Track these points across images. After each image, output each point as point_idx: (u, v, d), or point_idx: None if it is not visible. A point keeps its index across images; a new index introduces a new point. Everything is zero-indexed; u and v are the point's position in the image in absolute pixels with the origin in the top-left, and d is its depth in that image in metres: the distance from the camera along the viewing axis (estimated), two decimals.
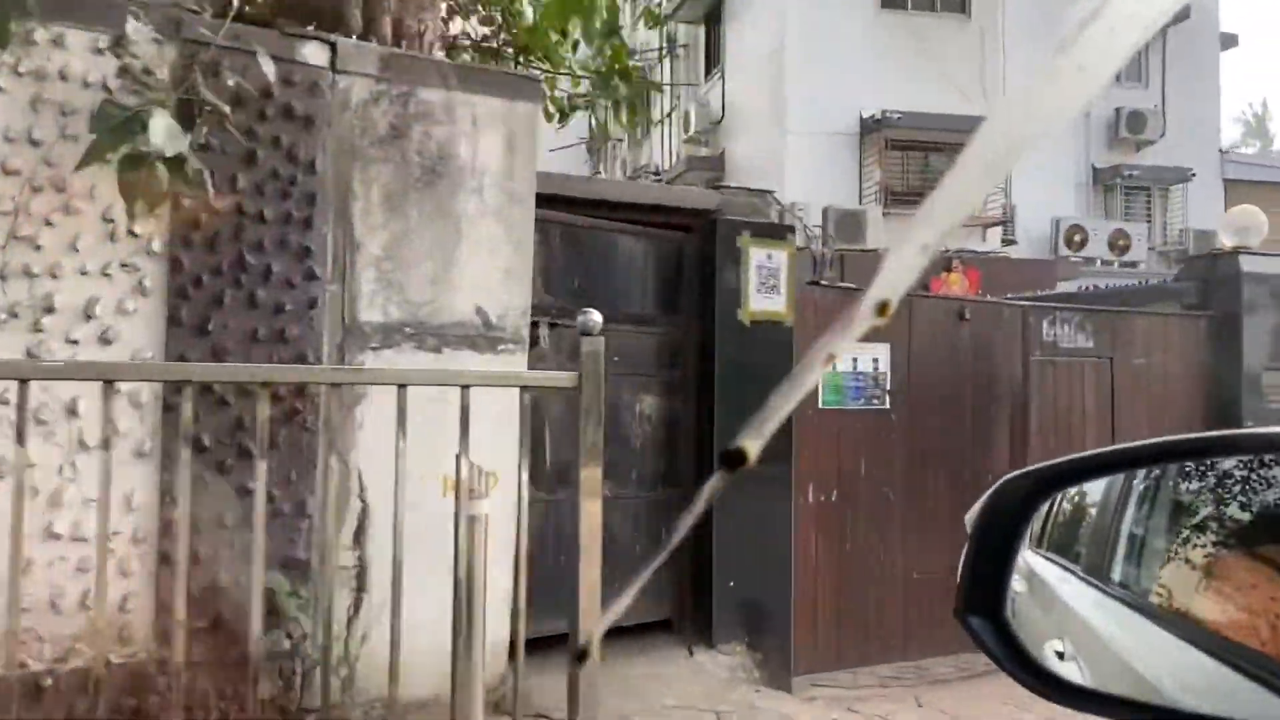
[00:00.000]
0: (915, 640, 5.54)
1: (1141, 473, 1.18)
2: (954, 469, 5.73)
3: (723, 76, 19.61)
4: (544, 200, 4.36)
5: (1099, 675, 1.15)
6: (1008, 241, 17.56)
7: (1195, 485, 1.08)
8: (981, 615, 1.14)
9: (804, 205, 16.64)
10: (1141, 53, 21.57)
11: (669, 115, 21.90)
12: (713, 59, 20.32)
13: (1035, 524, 1.24)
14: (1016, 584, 1.19)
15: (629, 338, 4.67)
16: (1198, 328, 6.97)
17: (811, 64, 16.80)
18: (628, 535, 4.62)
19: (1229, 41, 22.79)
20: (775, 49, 17.45)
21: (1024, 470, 1.13)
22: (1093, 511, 1.27)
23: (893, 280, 0.59)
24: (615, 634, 4.67)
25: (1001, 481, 1.11)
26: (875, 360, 5.48)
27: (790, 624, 4.94)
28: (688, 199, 4.87)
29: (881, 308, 0.59)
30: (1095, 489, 1.26)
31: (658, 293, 4.81)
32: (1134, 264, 19.18)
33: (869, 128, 16.80)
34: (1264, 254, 7.18)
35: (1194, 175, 20.62)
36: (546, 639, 4.43)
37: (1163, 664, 1.05)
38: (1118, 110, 20.71)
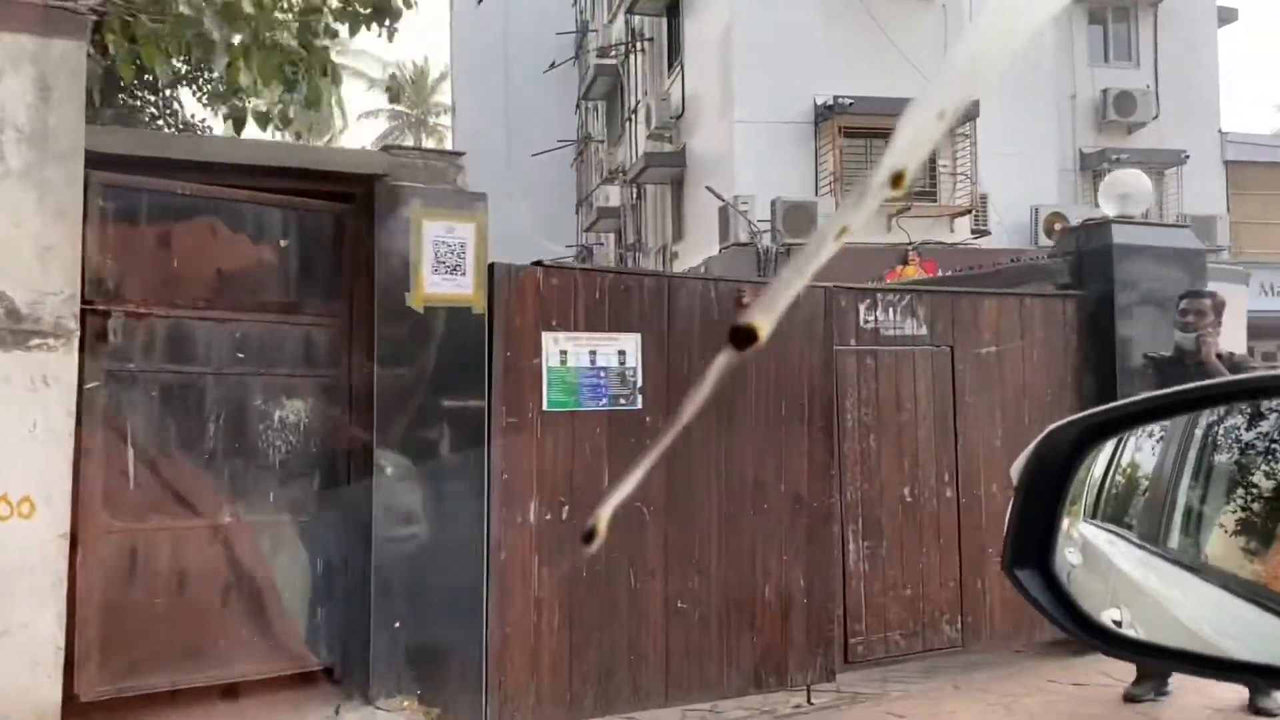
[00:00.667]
0: (680, 681, 4.68)
1: (1199, 430, 1.15)
2: (732, 480, 4.87)
3: (682, 69, 18.79)
4: (138, 165, 3.61)
5: (1151, 633, 1.18)
6: (979, 232, 16.52)
7: (1245, 441, 1.08)
8: (1030, 568, 1.12)
9: (748, 198, 15.77)
10: (1130, 30, 20.42)
11: (634, 112, 21.13)
12: (674, 51, 19.51)
13: (1089, 494, 1.26)
14: (1071, 556, 1.19)
15: (262, 329, 3.89)
16: (1064, 309, 6.03)
17: (760, 50, 15.93)
18: (264, 566, 3.84)
19: (1228, 16, 21.50)
20: (724, 36, 16.60)
21: (1070, 419, 1.10)
22: (1145, 480, 1.27)
23: (907, 148, 0.57)
24: (260, 686, 3.89)
25: (1047, 431, 1.08)
26: (622, 353, 4.64)
27: (483, 670, 4.11)
28: (343, 161, 4.10)
29: (896, 178, 0.57)
30: (1147, 457, 1.25)
31: (307, 275, 4.03)
32: None
33: (822, 115, 15.88)
34: (1141, 223, 6.24)
35: (1187, 158, 19.39)
36: (146, 697, 3.67)
37: (1213, 617, 1.07)
38: (1105, 92, 19.57)
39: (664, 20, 20.10)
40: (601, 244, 25.54)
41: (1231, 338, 6.64)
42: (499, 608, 4.19)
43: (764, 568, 4.91)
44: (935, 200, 16.41)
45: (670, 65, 19.77)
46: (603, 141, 25.82)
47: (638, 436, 4.60)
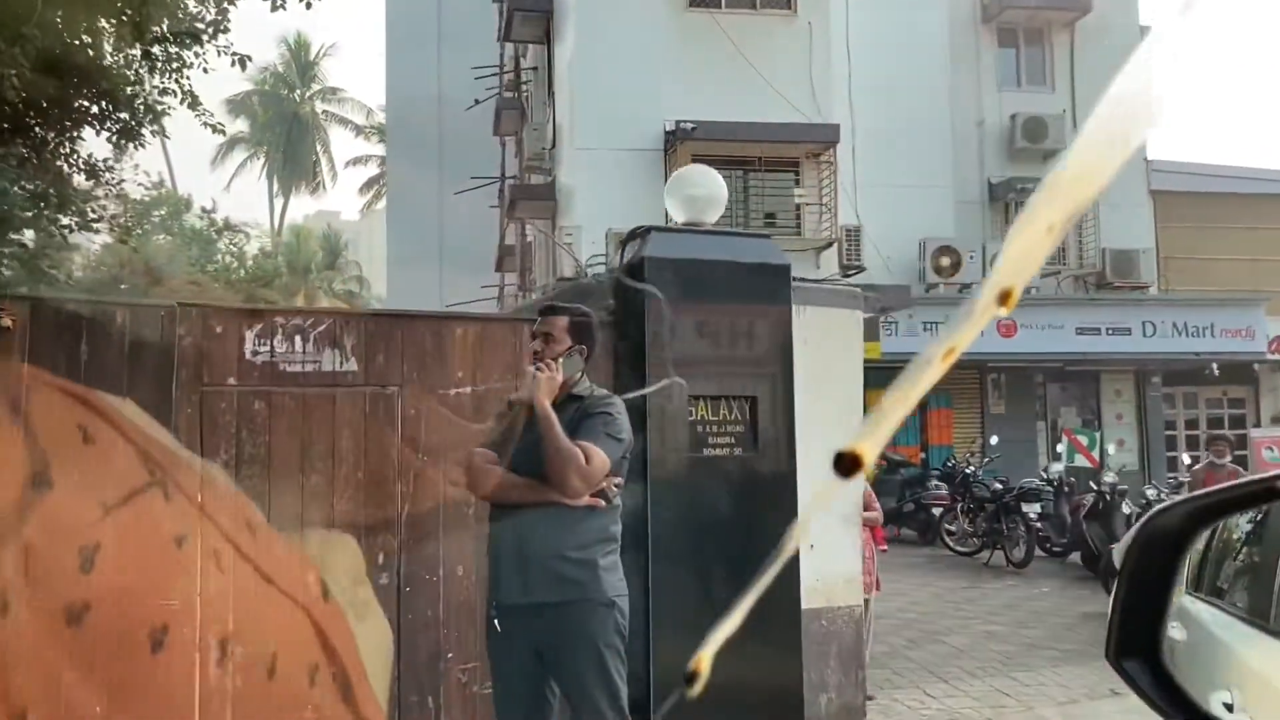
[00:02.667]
0: None
1: None
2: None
3: (553, 97, 17.65)
4: None
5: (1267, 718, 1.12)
6: (851, 268, 15.09)
7: None
8: (1138, 659, 1.05)
9: (572, 230, 14.49)
10: (1045, 52, 19.08)
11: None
12: (551, 79, 18.41)
13: (1190, 566, 1.29)
14: (1174, 631, 1.16)
15: None
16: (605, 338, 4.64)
17: (605, 73, 14.73)
18: None
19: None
20: (572, 60, 15.45)
21: (1173, 502, 1.02)
22: (1251, 554, 1.25)
23: (1016, 266, 0.57)
24: None
25: (1150, 515, 1.02)
26: None
27: None
28: None
29: (1004, 296, 0.57)
30: (1250, 530, 1.25)
31: None
32: (1026, 290, 16.46)
33: (670, 142, 14.61)
34: (683, 230, 4.85)
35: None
36: None
37: None
38: (1013, 117, 18.17)
39: (545, 47, 19.05)
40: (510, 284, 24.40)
41: (842, 369, 5.24)
42: None
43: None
44: (799, 233, 15.02)
45: (549, 93, 18.68)
46: (514, 176, 24.77)
47: None
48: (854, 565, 5.12)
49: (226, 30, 9.43)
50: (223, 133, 11.82)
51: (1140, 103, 0.56)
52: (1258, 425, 20.04)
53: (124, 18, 8.63)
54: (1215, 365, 15.85)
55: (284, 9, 10.61)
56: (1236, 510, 1.15)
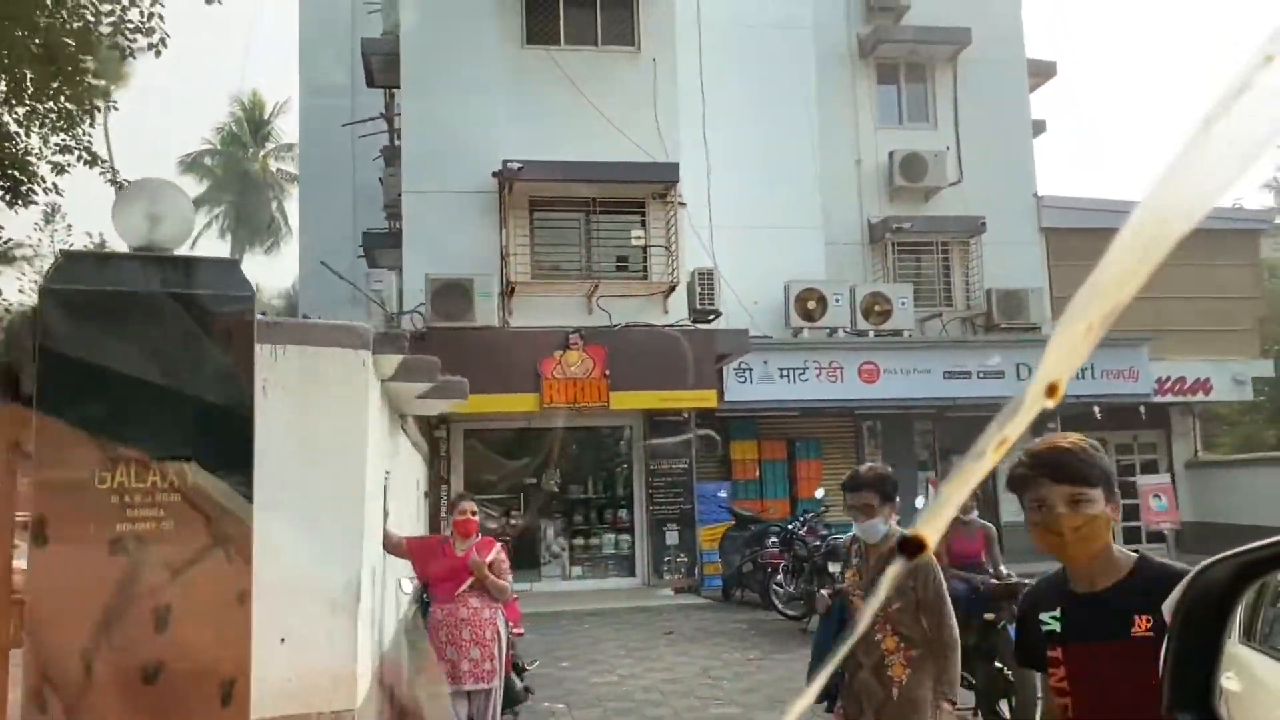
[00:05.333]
0: None
1: None
2: None
3: (401, 140, 17.04)
4: None
5: None
6: (704, 312, 14.29)
7: None
8: (1192, 711, 1.07)
9: (382, 275, 13.76)
10: (927, 89, 18.49)
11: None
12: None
13: (1243, 613, 1.29)
14: (1229, 682, 1.22)
15: None
16: None
17: (438, 113, 14.07)
18: None
19: (1045, 70, 19.54)
20: (404, 101, 14.83)
21: (1225, 555, 1.01)
22: None
23: (1059, 362, 0.62)
24: None
25: (1200, 568, 1.03)
26: None
27: None
28: None
29: (1051, 389, 0.61)
30: None
31: None
32: (896, 333, 15.73)
33: (502, 183, 13.91)
34: (109, 255, 4.05)
35: (984, 224, 17.19)
36: None
37: None
38: (890, 155, 17.52)
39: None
40: None
41: (337, 425, 4.40)
42: None
43: None
44: (645, 277, 14.26)
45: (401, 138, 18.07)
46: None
47: None
48: (345, 660, 4.23)
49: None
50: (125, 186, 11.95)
51: (1170, 212, 0.59)
52: (1171, 469, 19.15)
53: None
54: (1097, 408, 14.98)
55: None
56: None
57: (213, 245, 42.06)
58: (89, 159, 12.51)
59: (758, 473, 15.76)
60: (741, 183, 15.76)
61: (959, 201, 17.73)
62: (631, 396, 12.83)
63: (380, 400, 5.08)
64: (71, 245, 26.39)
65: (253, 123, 45.05)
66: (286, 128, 44.23)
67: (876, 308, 15.70)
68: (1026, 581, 8.04)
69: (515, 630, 5.84)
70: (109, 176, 13.32)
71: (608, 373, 12.71)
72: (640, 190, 14.21)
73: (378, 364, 4.56)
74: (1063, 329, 0.62)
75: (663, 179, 13.89)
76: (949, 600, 3.69)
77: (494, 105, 14.16)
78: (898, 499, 3.97)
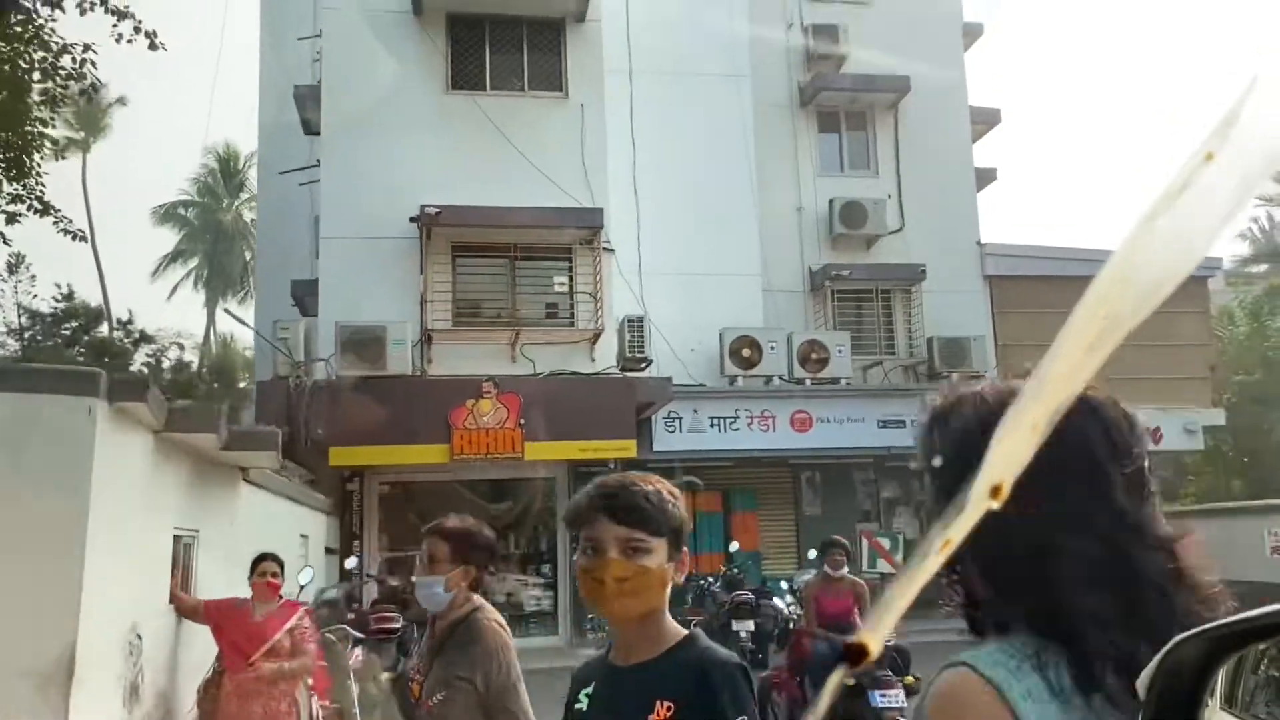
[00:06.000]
0: None
1: None
2: None
3: (321, 187, 16.81)
4: None
5: None
6: (635, 360, 13.94)
7: None
8: None
9: (289, 324, 13.41)
10: (869, 136, 18.37)
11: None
12: None
13: (1223, 684, 1.29)
14: None
15: None
16: None
17: (356, 158, 13.82)
18: None
19: (989, 118, 19.49)
20: (322, 146, 14.62)
21: (1199, 630, 0.99)
22: (1271, 665, 1.30)
23: (1003, 462, 0.61)
24: None
25: (1174, 643, 0.99)
26: None
27: None
28: None
29: (995, 490, 0.60)
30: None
31: None
32: (834, 381, 15.40)
33: (420, 228, 13.63)
34: None
35: (924, 272, 16.97)
36: None
37: None
38: (831, 202, 17.35)
39: None
40: None
41: (55, 481, 4.02)
42: None
43: None
44: (571, 324, 13.96)
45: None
46: None
47: None
48: None
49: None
50: (84, 238, 12.76)
51: (1116, 307, 0.60)
52: None
53: None
54: None
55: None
56: (1258, 640, 1.08)
57: (189, 297, 41.79)
58: (39, 209, 12.17)
59: (693, 525, 15.28)
60: (679, 229, 15.55)
61: (901, 249, 17.55)
62: (547, 447, 12.43)
63: (151, 452, 4.69)
64: (36, 296, 25.99)
65: (226, 173, 45.12)
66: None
67: (814, 355, 15.39)
68: (904, 645, 7.60)
69: (322, 702, 5.39)
70: (62, 226, 12.98)
71: (522, 422, 12.32)
72: (566, 236, 13.95)
73: (128, 412, 4.18)
74: (1008, 430, 0.61)
75: (588, 224, 13.65)
76: (523, 695, 2.76)
77: (416, 150, 13.93)
78: (495, 571, 3.13)
